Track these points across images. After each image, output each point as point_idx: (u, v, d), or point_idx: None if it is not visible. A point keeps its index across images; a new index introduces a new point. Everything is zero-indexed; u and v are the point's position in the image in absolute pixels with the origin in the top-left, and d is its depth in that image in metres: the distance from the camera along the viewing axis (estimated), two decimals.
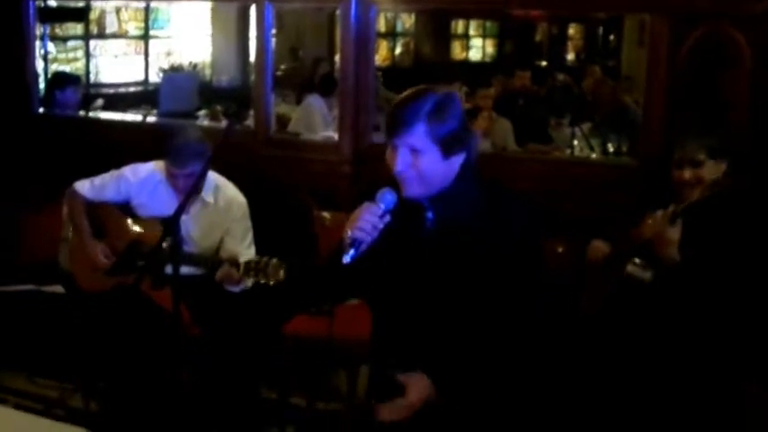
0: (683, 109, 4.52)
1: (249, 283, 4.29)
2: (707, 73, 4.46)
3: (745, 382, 3.89)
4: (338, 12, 5.37)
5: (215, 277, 4.28)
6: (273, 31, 5.56)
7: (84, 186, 4.64)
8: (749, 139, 4.34)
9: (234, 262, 4.24)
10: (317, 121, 7.97)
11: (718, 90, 4.44)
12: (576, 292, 4.20)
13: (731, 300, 3.76)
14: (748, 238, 3.74)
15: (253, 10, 5.62)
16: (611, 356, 4.01)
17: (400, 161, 2.63)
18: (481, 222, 2.68)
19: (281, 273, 4.15)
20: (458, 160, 2.68)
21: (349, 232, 2.60)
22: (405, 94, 2.70)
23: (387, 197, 2.66)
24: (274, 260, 4.18)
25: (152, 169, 4.63)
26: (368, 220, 2.61)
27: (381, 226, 2.63)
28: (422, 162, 2.62)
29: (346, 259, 2.58)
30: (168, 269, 3.79)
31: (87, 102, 8.20)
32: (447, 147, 2.63)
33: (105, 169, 4.72)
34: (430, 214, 2.72)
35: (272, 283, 4.16)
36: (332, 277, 2.86)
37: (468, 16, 16.84)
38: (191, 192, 3.90)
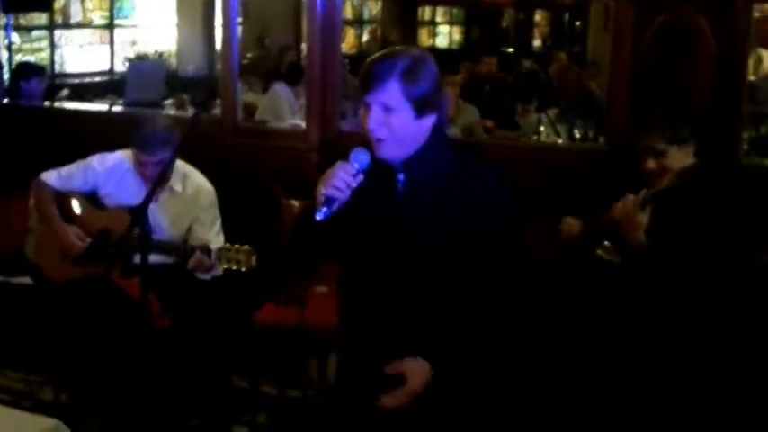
0: (647, 94, 4.55)
1: (221, 270, 4.31)
2: (671, 58, 4.49)
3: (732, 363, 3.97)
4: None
5: (187, 265, 4.27)
6: (240, 20, 5.53)
7: (51, 176, 4.63)
8: (711, 124, 4.38)
9: (205, 249, 4.24)
10: (284, 109, 7.95)
11: (682, 75, 4.47)
12: (552, 267, 4.26)
13: (698, 286, 3.81)
14: (715, 227, 3.79)
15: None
16: (585, 330, 4.07)
17: (372, 119, 2.63)
18: (453, 184, 2.69)
19: (253, 259, 4.16)
20: (429, 121, 2.68)
21: (323, 190, 2.60)
22: (380, 52, 2.71)
23: (360, 156, 2.65)
24: (246, 247, 4.19)
25: (120, 158, 4.62)
26: (341, 178, 2.59)
27: (354, 185, 2.62)
28: (394, 121, 2.62)
29: (319, 216, 2.58)
30: (137, 258, 3.82)
31: (52, 92, 8.15)
32: (420, 107, 2.62)
33: (71, 160, 4.71)
34: (401, 176, 2.72)
35: (244, 269, 4.17)
36: (304, 237, 2.85)
37: (434, 3, 16.86)
38: (159, 180, 3.90)
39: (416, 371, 2.68)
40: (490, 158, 2.90)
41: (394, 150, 2.67)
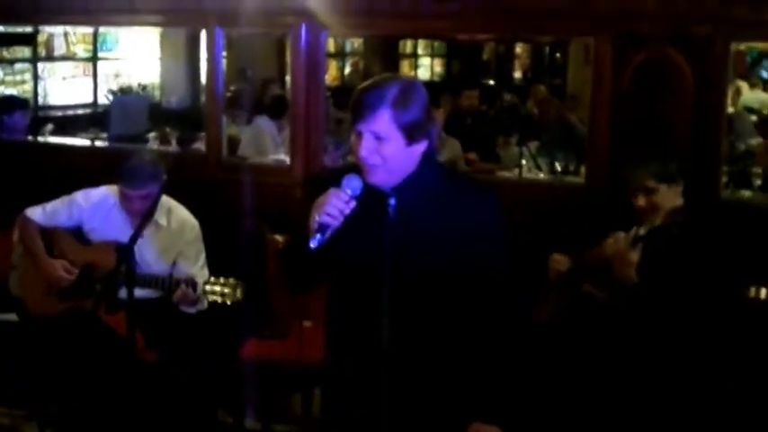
0: (627, 130, 4.60)
1: (205, 303, 4.34)
2: (650, 95, 4.55)
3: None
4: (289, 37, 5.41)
5: (173, 298, 4.29)
6: (224, 53, 5.58)
7: (35, 212, 4.63)
8: (691, 159, 4.44)
9: (191, 282, 4.26)
10: (267, 143, 7.95)
11: (662, 112, 4.53)
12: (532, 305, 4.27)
13: (687, 322, 3.86)
14: (707, 266, 3.85)
15: (203, 35, 5.63)
16: (565, 368, 4.09)
17: (364, 147, 2.63)
18: (444, 209, 2.71)
19: (239, 292, 4.19)
20: (420, 148, 2.69)
21: (317, 217, 2.60)
22: (370, 80, 2.72)
23: (353, 183, 2.64)
24: (231, 280, 4.21)
25: (105, 193, 4.63)
26: (335, 205, 2.59)
27: (348, 212, 2.61)
28: (385, 149, 2.63)
29: (313, 244, 2.57)
30: (123, 293, 3.82)
31: (36, 126, 8.13)
32: (410, 134, 2.64)
33: (54, 195, 4.71)
34: (392, 201, 2.73)
35: (229, 302, 4.20)
36: (296, 262, 2.85)
37: (416, 36, 16.92)
38: (147, 214, 3.92)
39: None
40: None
41: (385, 176, 2.69)
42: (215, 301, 4.25)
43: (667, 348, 3.86)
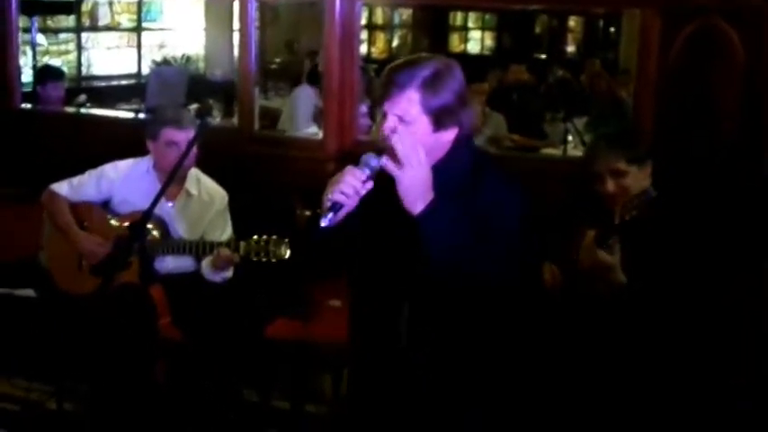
0: (674, 105, 4.44)
1: (231, 272, 4.31)
2: (699, 68, 4.39)
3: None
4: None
5: (212, 263, 4.27)
6: (257, 24, 5.46)
7: (61, 187, 4.56)
8: (738, 134, 4.31)
9: (232, 243, 4.20)
10: (304, 112, 7.85)
11: (711, 85, 4.36)
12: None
13: (688, 311, 3.66)
14: (695, 248, 3.67)
15: (236, 4, 5.53)
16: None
17: (388, 129, 2.54)
18: (467, 198, 2.59)
19: (284, 249, 4.09)
20: (449, 135, 2.59)
21: (329, 195, 2.50)
22: (403, 59, 2.62)
23: (371, 162, 2.53)
24: (274, 237, 4.12)
25: (135, 162, 4.58)
26: (350, 184, 2.49)
27: (363, 192, 2.52)
28: (410, 132, 2.52)
29: (324, 222, 2.47)
30: (158, 263, 4.09)
31: (75, 97, 8.10)
32: (438, 120, 2.54)
33: (86, 167, 4.63)
34: None
35: (274, 260, 4.10)
36: (310, 243, 2.75)
37: (466, 8, 16.78)
38: (173, 170, 3.72)
39: None
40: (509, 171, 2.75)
41: None
42: (259, 261, 4.12)
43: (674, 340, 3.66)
